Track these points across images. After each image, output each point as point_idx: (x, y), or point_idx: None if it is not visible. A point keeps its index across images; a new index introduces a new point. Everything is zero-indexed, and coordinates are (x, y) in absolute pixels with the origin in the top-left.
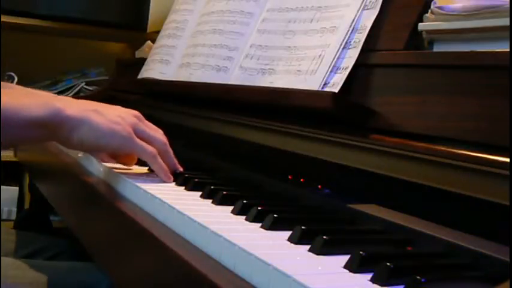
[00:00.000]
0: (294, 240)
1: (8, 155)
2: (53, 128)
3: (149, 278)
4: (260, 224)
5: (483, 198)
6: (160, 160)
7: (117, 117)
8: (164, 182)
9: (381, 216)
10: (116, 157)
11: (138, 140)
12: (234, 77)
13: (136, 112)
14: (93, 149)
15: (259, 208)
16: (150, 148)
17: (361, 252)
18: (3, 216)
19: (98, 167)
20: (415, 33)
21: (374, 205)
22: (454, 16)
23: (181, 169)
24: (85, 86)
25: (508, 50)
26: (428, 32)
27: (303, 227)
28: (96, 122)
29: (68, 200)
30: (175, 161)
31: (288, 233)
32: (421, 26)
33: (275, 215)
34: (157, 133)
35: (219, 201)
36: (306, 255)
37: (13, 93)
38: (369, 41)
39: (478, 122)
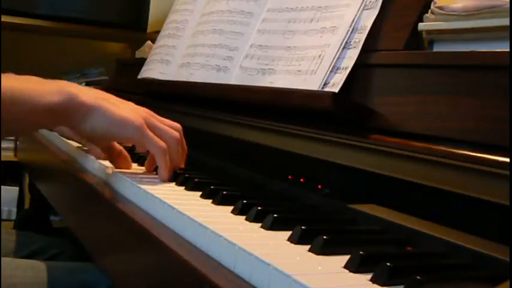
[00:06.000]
0: (294, 240)
1: (8, 155)
2: (65, 113)
3: (149, 278)
4: (260, 224)
5: (483, 198)
6: (167, 158)
7: (129, 109)
8: (164, 181)
9: (381, 216)
10: (112, 160)
11: (149, 132)
12: (234, 77)
13: (147, 110)
14: (104, 137)
15: (259, 208)
16: (160, 142)
17: (361, 252)
18: (3, 216)
19: (98, 167)
20: (415, 33)
21: (374, 205)
22: (454, 16)
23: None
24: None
25: (508, 50)
26: (428, 32)
27: (303, 227)
28: (109, 110)
29: (67, 200)
30: (180, 160)
31: (288, 233)
32: (421, 26)
33: (275, 215)
34: (170, 128)
35: (219, 201)
36: (306, 255)
37: (25, 80)
38: (369, 41)
39: (478, 122)
